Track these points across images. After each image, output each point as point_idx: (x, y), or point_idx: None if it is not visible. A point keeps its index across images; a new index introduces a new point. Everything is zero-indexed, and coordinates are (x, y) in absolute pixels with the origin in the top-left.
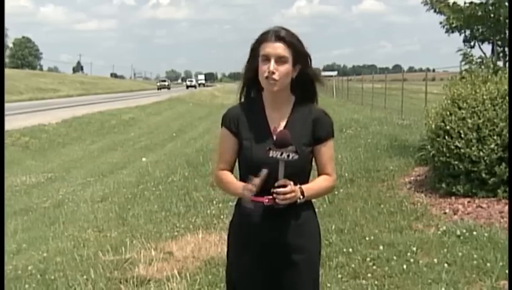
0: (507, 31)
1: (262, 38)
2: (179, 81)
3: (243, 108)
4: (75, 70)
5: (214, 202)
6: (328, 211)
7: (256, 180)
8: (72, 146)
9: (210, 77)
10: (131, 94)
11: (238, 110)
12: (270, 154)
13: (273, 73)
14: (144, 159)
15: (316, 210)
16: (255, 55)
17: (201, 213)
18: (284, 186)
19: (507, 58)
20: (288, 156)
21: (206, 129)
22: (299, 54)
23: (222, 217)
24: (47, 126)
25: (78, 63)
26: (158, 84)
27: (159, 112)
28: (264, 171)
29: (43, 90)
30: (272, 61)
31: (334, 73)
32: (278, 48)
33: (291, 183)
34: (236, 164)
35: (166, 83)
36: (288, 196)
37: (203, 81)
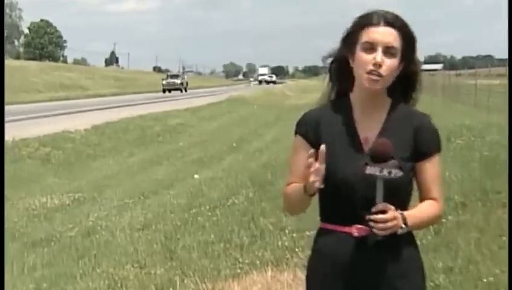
0: None
1: (365, 22)
2: (240, 76)
3: (324, 111)
4: (108, 62)
5: (287, 231)
6: (433, 244)
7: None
8: (105, 159)
9: (279, 72)
10: (179, 93)
11: (317, 114)
12: (367, 171)
13: (380, 66)
14: (196, 175)
15: (418, 243)
16: (351, 42)
17: (270, 245)
18: (384, 212)
19: None
20: (389, 173)
21: (275, 138)
22: (410, 47)
23: (297, 250)
24: (73, 134)
25: (112, 53)
26: (164, 82)
27: (215, 115)
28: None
29: (68, 88)
30: (379, 51)
31: (439, 66)
32: (389, 36)
33: (393, 208)
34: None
35: (178, 81)
36: (389, 224)
37: (271, 78)
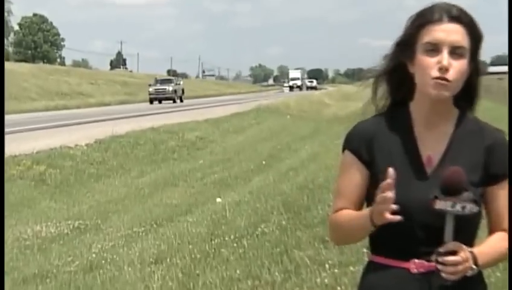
0: None
1: (425, 19)
2: (270, 82)
3: (379, 124)
4: (113, 65)
5: (327, 266)
6: (502, 281)
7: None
8: (110, 179)
9: (317, 75)
10: (199, 102)
11: (371, 127)
12: (437, 206)
13: (447, 70)
14: (218, 199)
15: (486, 281)
16: (409, 43)
17: (307, 283)
18: (454, 252)
19: None
20: (463, 208)
21: (312, 154)
22: (478, 45)
23: (339, 289)
24: (73, 149)
25: (119, 54)
26: (151, 88)
27: (240, 128)
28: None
29: (66, 95)
30: (445, 52)
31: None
32: (455, 33)
33: (464, 247)
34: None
35: (169, 88)
36: (460, 267)
37: (311, 83)
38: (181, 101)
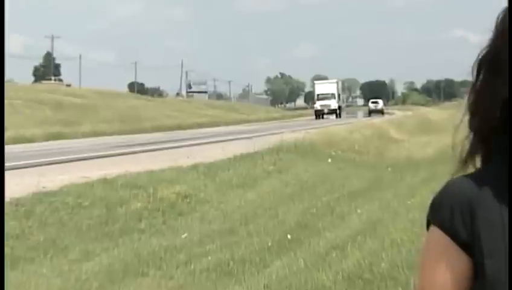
0: None
1: None
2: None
3: (485, 182)
4: (39, 75)
5: None
6: None
7: None
8: (34, 265)
9: (377, 92)
10: (181, 135)
11: (469, 191)
12: None
13: None
14: None
15: None
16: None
17: None
18: None
19: None
20: None
21: (369, 223)
22: None
23: None
24: None
25: (48, 56)
26: None
27: (250, 179)
28: None
29: None
30: None
31: None
32: None
33: None
34: None
35: None
36: None
37: (376, 105)
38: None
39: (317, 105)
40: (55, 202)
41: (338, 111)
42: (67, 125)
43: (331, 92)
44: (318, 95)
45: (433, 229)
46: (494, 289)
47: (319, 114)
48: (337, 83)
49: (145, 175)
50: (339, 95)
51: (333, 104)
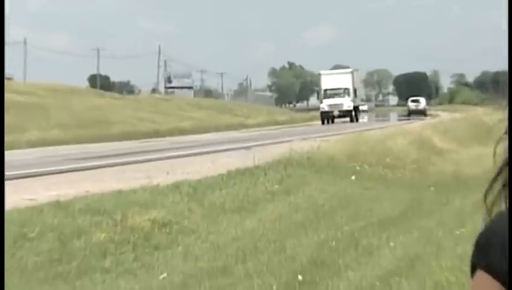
0: None
1: None
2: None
3: None
4: None
5: None
6: None
7: None
8: None
9: (415, 87)
10: (159, 144)
11: None
12: None
13: None
14: None
15: None
16: None
17: None
18: None
19: None
20: None
21: (406, 259)
22: None
23: None
24: None
25: None
26: None
27: (248, 202)
28: None
29: None
30: None
31: None
32: None
33: None
34: None
35: None
36: None
37: (416, 105)
38: None
39: (324, 105)
40: None
41: (353, 113)
42: (8, 131)
43: (343, 87)
44: (325, 90)
45: (480, 274)
46: None
47: (326, 118)
48: (351, 73)
49: (110, 197)
50: (355, 91)
51: (346, 103)
